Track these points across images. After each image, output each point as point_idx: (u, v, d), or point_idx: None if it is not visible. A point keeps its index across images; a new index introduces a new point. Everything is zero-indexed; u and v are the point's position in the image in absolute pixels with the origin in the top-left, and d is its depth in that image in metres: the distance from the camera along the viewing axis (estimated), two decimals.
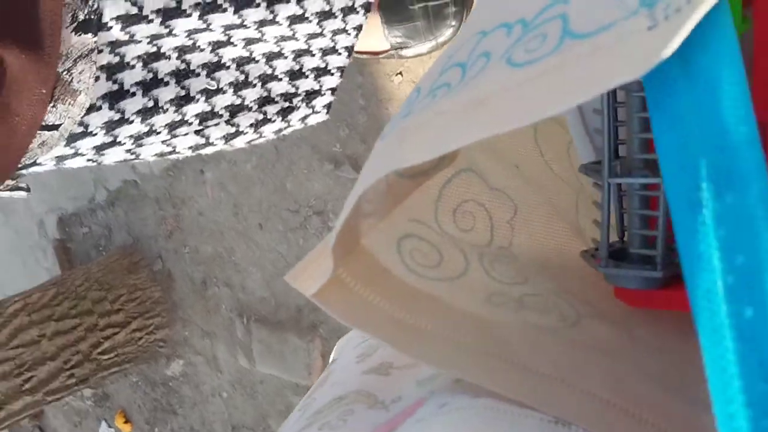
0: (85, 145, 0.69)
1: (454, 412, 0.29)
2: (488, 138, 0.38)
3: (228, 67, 0.79)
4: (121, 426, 2.19)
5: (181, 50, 0.74)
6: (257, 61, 0.82)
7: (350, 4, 0.90)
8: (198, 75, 0.76)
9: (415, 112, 0.26)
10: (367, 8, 0.93)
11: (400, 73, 1.39)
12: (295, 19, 0.83)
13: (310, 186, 1.61)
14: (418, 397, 0.34)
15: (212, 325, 1.90)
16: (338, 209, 1.57)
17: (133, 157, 0.77)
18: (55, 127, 0.64)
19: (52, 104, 0.63)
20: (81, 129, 0.68)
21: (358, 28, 0.93)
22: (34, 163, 0.68)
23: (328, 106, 0.95)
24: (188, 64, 0.75)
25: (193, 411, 1.97)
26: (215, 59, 0.77)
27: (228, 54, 0.78)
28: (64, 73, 0.63)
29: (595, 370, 0.31)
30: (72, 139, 0.68)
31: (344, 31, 0.91)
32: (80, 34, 0.63)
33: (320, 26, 0.88)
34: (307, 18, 0.85)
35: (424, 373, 0.37)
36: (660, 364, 0.33)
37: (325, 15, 0.87)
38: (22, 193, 0.72)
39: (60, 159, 0.70)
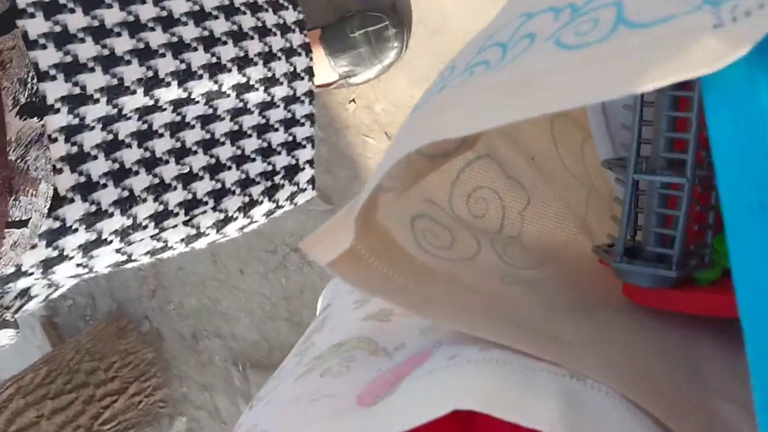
0: (69, 244, 0.68)
1: (466, 364, 0.28)
2: (509, 126, 0.38)
3: (195, 152, 0.79)
4: None
5: (140, 136, 0.74)
6: (223, 143, 0.82)
7: (291, 72, 0.91)
8: (167, 162, 0.76)
9: (449, 87, 0.26)
10: (310, 97, 0.94)
11: (353, 100, 1.40)
12: (241, 88, 0.83)
13: (284, 224, 1.61)
14: (423, 346, 0.34)
15: (209, 378, 1.88)
16: None
17: (125, 258, 0.75)
18: (23, 224, 0.63)
19: (13, 197, 0.61)
20: (58, 224, 0.67)
21: (309, 94, 0.94)
22: (20, 272, 0.66)
23: (312, 181, 0.96)
24: (153, 152, 0.75)
25: None
26: (178, 145, 0.77)
27: (189, 138, 0.78)
28: (18, 161, 0.62)
29: (610, 343, 0.31)
30: (52, 236, 0.67)
31: (297, 99, 0.92)
32: (25, 118, 0.62)
33: (268, 93, 0.88)
34: (253, 86, 0.86)
35: (427, 321, 0.36)
36: (670, 352, 0.33)
37: (270, 81, 0.88)
38: (11, 332, 0.70)
39: (47, 265, 0.68)
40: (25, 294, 0.72)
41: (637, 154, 0.35)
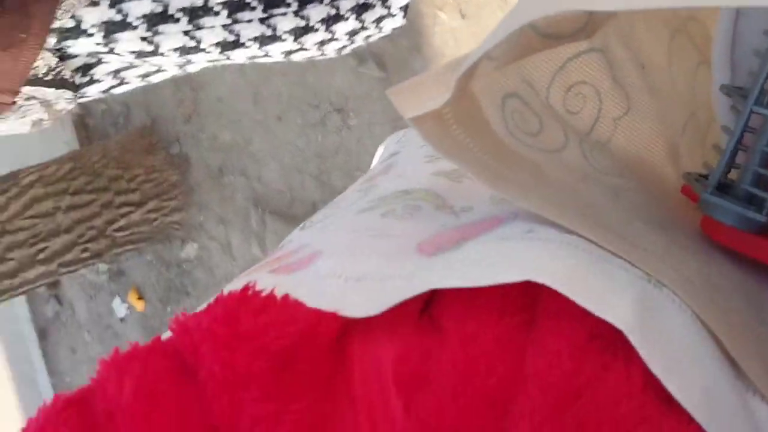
0: (133, 11, 0.65)
1: (542, 242, 0.28)
2: (627, 27, 0.36)
3: None
4: (134, 302, 2.26)
5: None
6: None
7: None
8: None
9: None
10: None
11: None
12: None
13: (332, 81, 1.57)
14: (494, 213, 0.33)
15: (228, 213, 1.92)
16: (359, 107, 1.55)
17: (194, 44, 0.71)
18: None
19: None
20: None
21: None
22: (80, 30, 0.63)
23: (405, 9, 0.90)
24: None
25: (206, 293, 2.02)
26: None
27: None
28: None
29: (685, 262, 0.31)
30: None
31: None
32: None
33: None
34: None
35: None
36: (738, 290, 0.33)
37: None
38: (69, 95, 0.67)
39: (108, 29, 0.64)
40: (87, 72, 0.71)
41: (762, 85, 0.34)
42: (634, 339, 0.24)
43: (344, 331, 0.28)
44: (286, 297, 0.28)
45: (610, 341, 0.25)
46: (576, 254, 0.27)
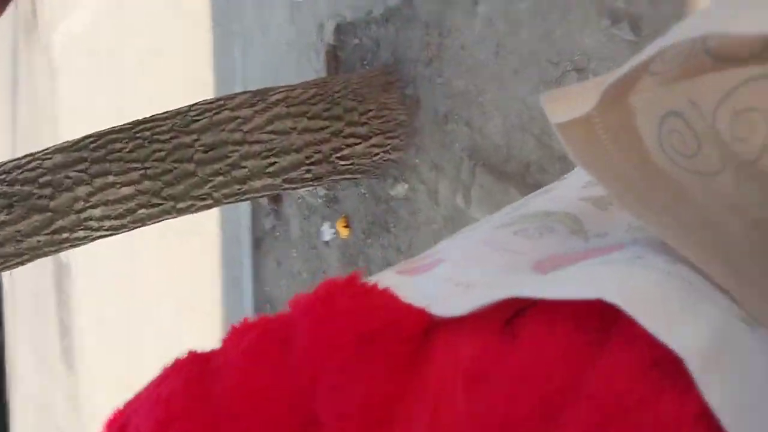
0: None
1: (643, 269, 0.29)
2: None
3: None
4: (340, 229, 2.35)
5: None
6: None
7: None
8: None
9: None
10: None
11: None
12: None
13: (580, 39, 1.48)
14: (622, 240, 0.35)
15: (442, 160, 1.90)
16: (600, 70, 1.44)
17: None
18: None
19: None
20: None
21: None
22: None
23: None
24: None
25: (405, 233, 2.04)
26: None
27: None
28: None
29: None
30: None
31: None
32: None
33: None
34: None
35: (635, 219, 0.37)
36: None
37: None
38: None
39: None
40: None
41: None
42: (692, 367, 0.24)
43: (433, 327, 0.31)
44: (385, 289, 0.31)
45: (673, 370, 0.25)
46: (668, 282, 0.27)
